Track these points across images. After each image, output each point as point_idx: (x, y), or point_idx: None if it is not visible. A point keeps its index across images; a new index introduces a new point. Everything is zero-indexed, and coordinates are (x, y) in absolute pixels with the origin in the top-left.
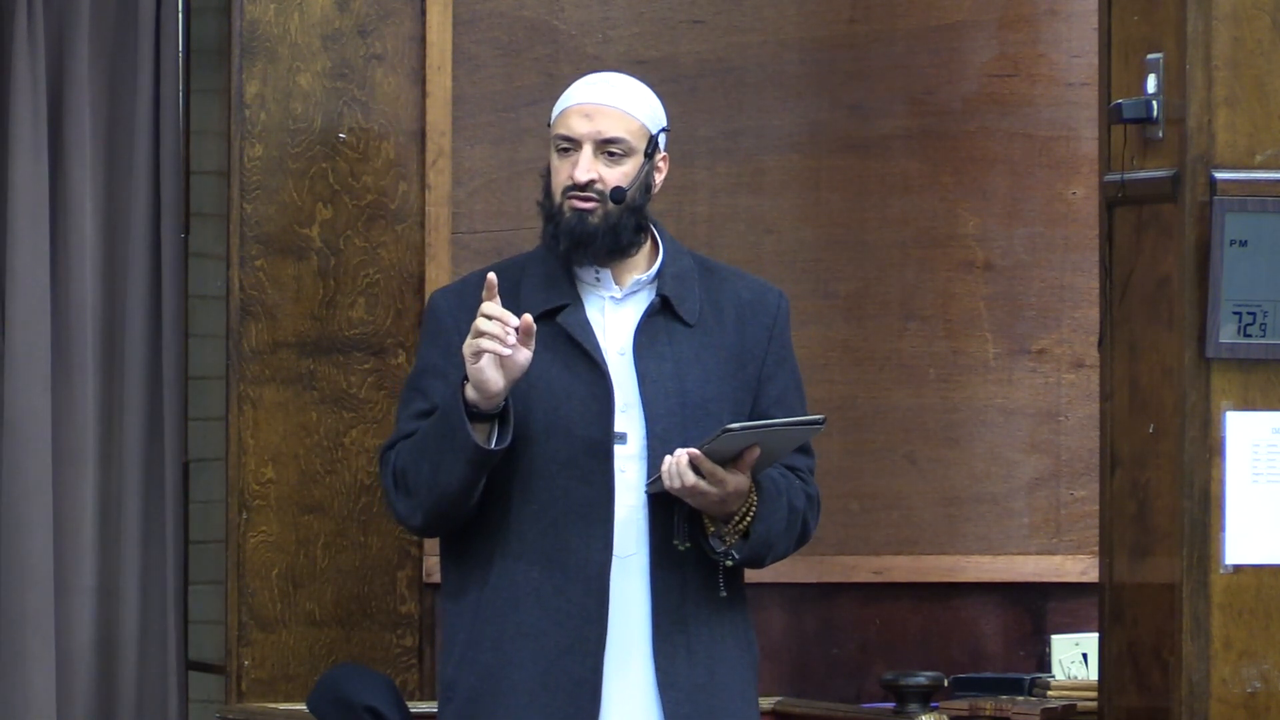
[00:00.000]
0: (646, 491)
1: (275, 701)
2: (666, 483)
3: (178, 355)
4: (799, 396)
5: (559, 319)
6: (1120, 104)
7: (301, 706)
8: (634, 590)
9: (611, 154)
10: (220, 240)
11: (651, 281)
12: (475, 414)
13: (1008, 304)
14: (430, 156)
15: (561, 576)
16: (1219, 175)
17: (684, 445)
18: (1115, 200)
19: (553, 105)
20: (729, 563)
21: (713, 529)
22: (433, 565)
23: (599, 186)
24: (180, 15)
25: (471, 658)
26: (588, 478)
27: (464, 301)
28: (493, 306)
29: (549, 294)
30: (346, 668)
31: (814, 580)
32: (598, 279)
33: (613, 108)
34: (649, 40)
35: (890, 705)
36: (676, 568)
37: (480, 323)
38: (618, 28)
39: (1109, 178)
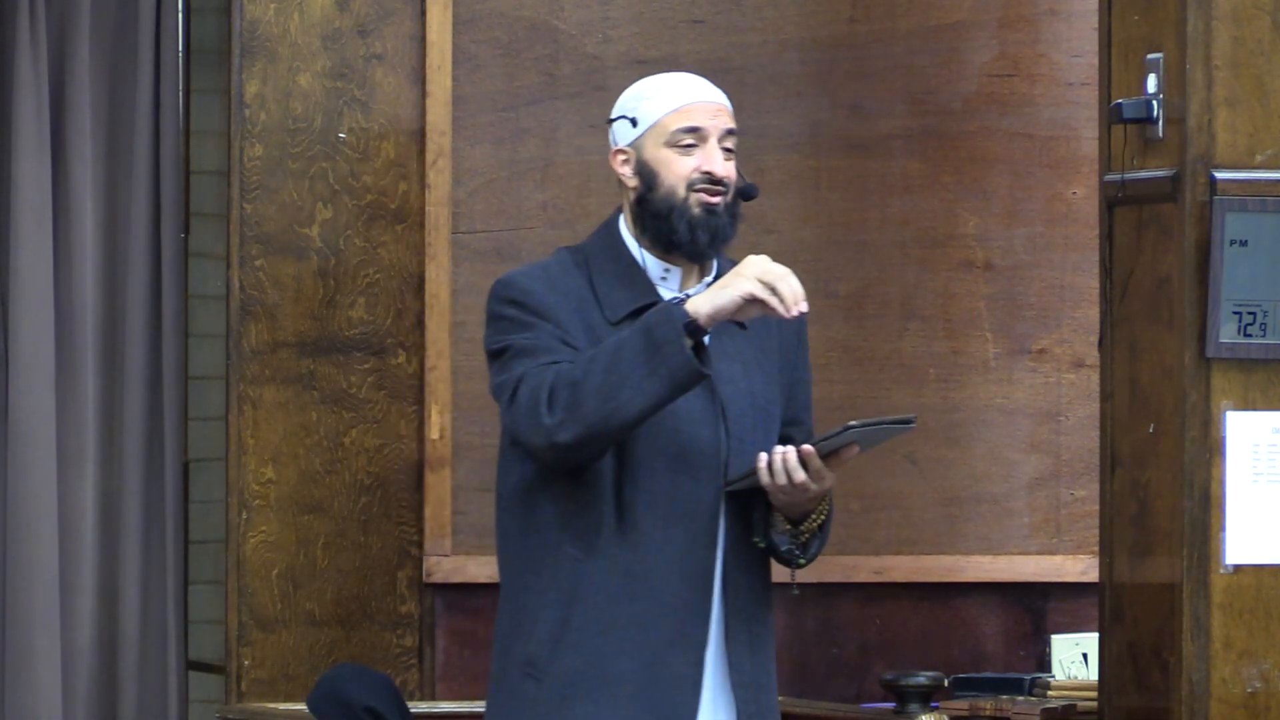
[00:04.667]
0: (726, 489)
1: (275, 701)
2: (765, 480)
3: (178, 355)
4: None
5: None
6: (1120, 104)
7: (301, 706)
8: (713, 590)
9: (729, 149)
10: (220, 240)
11: (706, 285)
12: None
13: (1008, 304)
14: (430, 156)
15: (668, 570)
16: (1219, 175)
17: (755, 446)
18: (1115, 200)
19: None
20: (802, 563)
21: (787, 528)
22: (433, 565)
23: (726, 180)
24: (180, 15)
25: (573, 640)
26: (696, 475)
27: (555, 288)
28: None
29: (631, 291)
30: (346, 668)
31: (814, 580)
32: (664, 278)
33: (727, 108)
34: (649, 40)
35: (890, 705)
36: (744, 566)
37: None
38: (618, 28)
39: (1109, 178)
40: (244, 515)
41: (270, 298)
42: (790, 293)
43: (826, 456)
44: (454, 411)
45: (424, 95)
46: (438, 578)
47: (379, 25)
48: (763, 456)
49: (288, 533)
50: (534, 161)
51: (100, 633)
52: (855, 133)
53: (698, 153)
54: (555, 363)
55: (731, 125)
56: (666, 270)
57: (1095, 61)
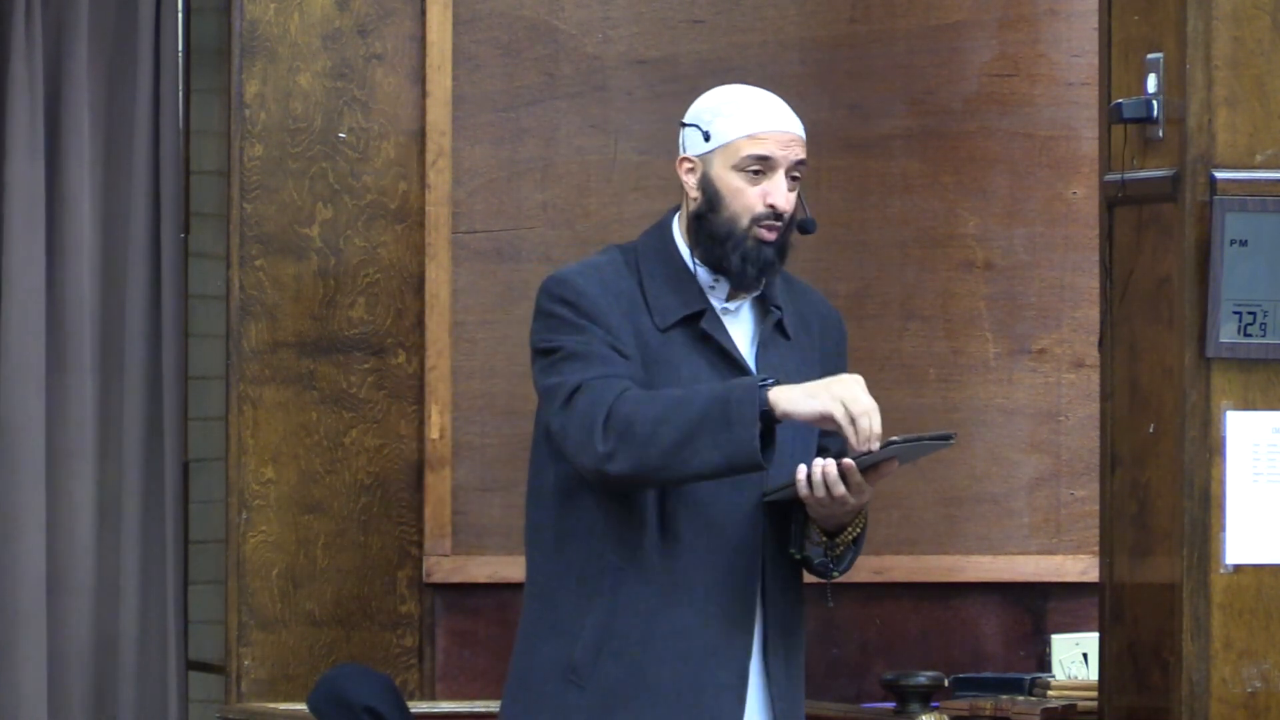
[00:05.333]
0: (764, 499)
1: (275, 701)
2: (804, 492)
3: (178, 355)
4: None
5: (703, 325)
6: (1120, 104)
7: (301, 706)
8: (755, 600)
9: (795, 177)
10: (220, 240)
11: (754, 296)
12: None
13: (1008, 304)
14: (430, 156)
15: (710, 579)
16: (1219, 175)
17: (794, 456)
18: (1115, 200)
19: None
20: (835, 575)
21: (823, 540)
22: (433, 565)
23: (787, 214)
24: (180, 15)
25: (617, 649)
26: (737, 483)
27: (608, 289)
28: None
29: (682, 298)
30: (346, 668)
31: (814, 580)
32: (713, 287)
33: (801, 138)
34: (649, 40)
35: (890, 705)
36: (781, 577)
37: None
38: (618, 28)
39: (1109, 178)
40: (244, 515)
41: (270, 298)
42: (866, 430)
43: (866, 471)
44: (454, 411)
45: (424, 95)
46: (438, 578)
47: (379, 25)
48: (802, 468)
49: (288, 533)
50: (534, 161)
51: (99, 633)
52: (855, 133)
53: (764, 181)
54: (610, 375)
55: (802, 156)
56: (716, 279)
57: (1095, 61)
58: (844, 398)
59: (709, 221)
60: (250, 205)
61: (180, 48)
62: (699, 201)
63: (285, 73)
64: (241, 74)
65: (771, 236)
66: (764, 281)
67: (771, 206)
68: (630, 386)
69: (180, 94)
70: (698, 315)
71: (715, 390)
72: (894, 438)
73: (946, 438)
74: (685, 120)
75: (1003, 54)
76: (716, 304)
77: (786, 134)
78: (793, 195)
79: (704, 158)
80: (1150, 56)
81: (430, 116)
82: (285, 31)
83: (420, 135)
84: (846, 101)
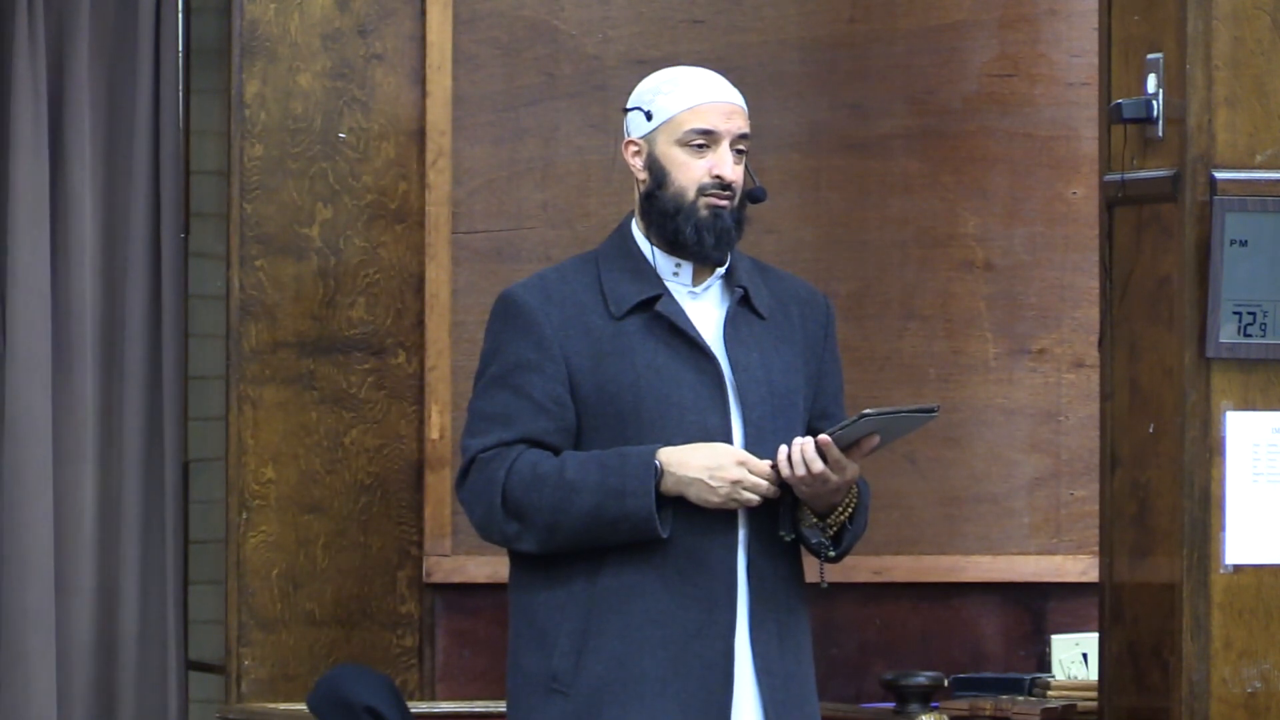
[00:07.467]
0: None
1: (275, 701)
2: (785, 471)
3: (178, 355)
4: (842, 397)
5: (658, 308)
6: (1120, 104)
7: (301, 706)
8: (736, 577)
9: (740, 151)
10: (220, 240)
11: (720, 277)
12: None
13: (1008, 304)
14: (430, 156)
15: (686, 562)
16: (1219, 175)
17: (776, 433)
18: (1115, 200)
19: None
20: (831, 554)
21: (815, 521)
22: (433, 565)
23: (735, 185)
24: (180, 15)
25: (595, 647)
26: None
27: (550, 298)
28: (765, 470)
29: (639, 285)
30: (346, 668)
31: (813, 580)
32: (676, 273)
33: (743, 109)
34: (649, 40)
35: (890, 705)
36: (771, 555)
37: (756, 481)
38: (618, 28)
39: (1109, 178)
40: (244, 515)
41: (270, 298)
42: (750, 496)
43: (847, 448)
44: (454, 411)
45: (424, 95)
46: (438, 578)
47: (379, 25)
48: (782, 448)
49: (288, 533)
50: (534, 161)
51: (99, 633)
52: (855, 133)
53: (709, 154)
54: (503, 443)
55: (745, 129)
56: (678, 265)
57: (1095, 61)
58: (726, 492)
59: (658, 199)
60: (250, 205)
61: (180, 48)
62: (647, 181)
63: (285, 73)
64: (241, 74)
65: (721, 204)
66: (725, 253)
67: (717, 177)
68: (521, 454)
69: (180, 94)
70: (654, 300)
71: (606, 481)
72: (867, 410)
73: (929, 410)
74: (628, 105)
75: (1003, 54)
76: (683, 289)
77: (727, 104)
78: (739, 168)
79: (648, 138)
80: (1150, 56)
81: (430, 116)
82: (285, 31)
83: (420, 135)
84: (846, 101)
